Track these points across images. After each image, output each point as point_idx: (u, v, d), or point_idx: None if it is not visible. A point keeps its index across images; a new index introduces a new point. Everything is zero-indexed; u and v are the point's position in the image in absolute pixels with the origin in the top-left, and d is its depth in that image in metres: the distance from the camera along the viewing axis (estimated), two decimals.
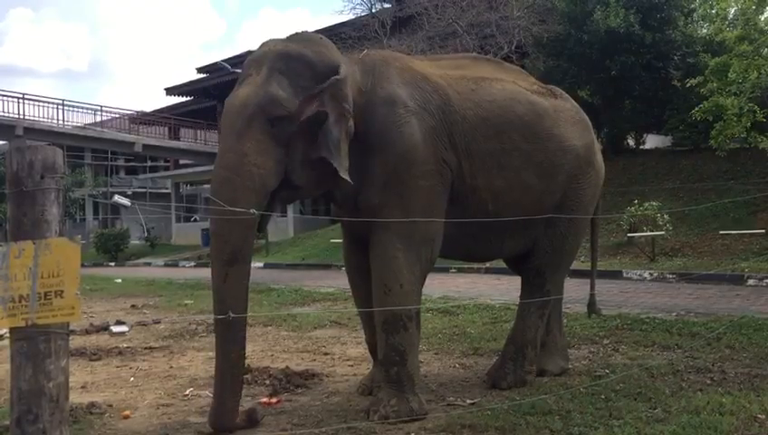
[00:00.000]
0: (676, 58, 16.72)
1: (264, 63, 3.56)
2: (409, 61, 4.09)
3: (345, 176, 3.48)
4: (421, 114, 3.75)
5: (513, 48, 17.13)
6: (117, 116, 27.77)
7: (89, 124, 26.37)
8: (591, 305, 4.92)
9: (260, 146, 3.43)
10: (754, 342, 5.29)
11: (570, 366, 4.69)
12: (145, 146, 25.94)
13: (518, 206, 4.10)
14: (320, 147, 3.47)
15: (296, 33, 3.77)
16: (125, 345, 6.12)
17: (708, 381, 4.23)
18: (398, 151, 3.67)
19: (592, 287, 4.92)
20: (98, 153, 32.95)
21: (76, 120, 25.76)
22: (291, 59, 3.55)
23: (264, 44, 3.72)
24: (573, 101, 4.68)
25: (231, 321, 3.30)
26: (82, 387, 4.59)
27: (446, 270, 11.93)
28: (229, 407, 3.43)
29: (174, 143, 27.68)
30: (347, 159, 3.54)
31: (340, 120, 3.51)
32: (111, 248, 25.43)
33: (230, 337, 3.44)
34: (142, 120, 28.59)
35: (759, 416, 3.46)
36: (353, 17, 20.80)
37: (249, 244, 3.51)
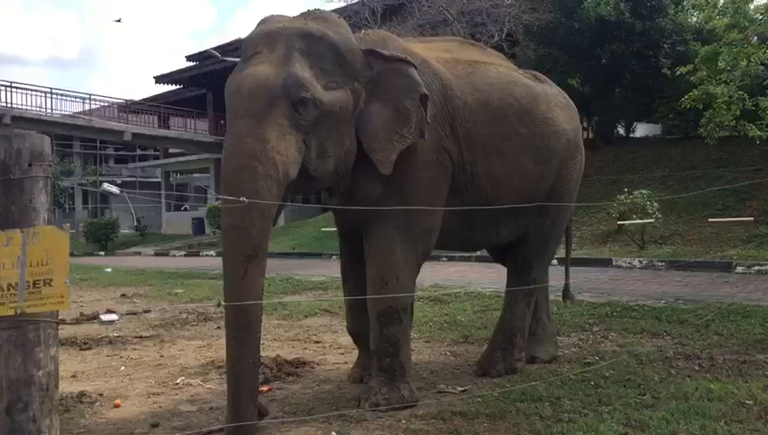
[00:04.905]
0: (666, 46, 16.73)
1: (279, 41, 3.31)
2: (406, 43, 3.97)
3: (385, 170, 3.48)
4: None
5: (503, 36, 17.14)
6: (106, 105, 27.55)
7: (77, 113, 26.15)
8: (566, 292, 5.01)
9: (282, 131, 3.17)
10: (742, 328, 5.34)
11: (560, 353, 4.73)
12: (134, 135, 25.76)
13: (516, 192, 4.08)
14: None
15: (310, 11, 3.57)
16: (115, 335, 6.10)
17: (697, 368, 4.27)
18: None
19: (567, 276, 4.97)
20: (87, 142, 32.78)
21: (65, 108, 25.60)
22: (313, 39, 3.34)
23: (270, 20, 3.48)
24: (557, 86, 4.68)
25: (250, 322, 3.07)
26: (73, 376, 4.58)
27: (437, 259, 11.95)
28: (249, 417, 3.08)
29: (163, 132, 27.47)
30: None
31: None
32: (101, 238, 25.30)
33: (248, 340, 3.09)
34: (131, 108, 28.35)
35: (747, 402, 3.50)
36: (344, 5, 20.69)
37: (268, 237, 3.21)
